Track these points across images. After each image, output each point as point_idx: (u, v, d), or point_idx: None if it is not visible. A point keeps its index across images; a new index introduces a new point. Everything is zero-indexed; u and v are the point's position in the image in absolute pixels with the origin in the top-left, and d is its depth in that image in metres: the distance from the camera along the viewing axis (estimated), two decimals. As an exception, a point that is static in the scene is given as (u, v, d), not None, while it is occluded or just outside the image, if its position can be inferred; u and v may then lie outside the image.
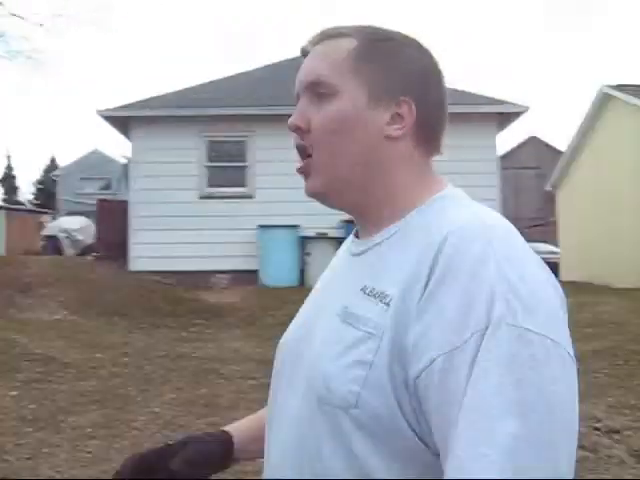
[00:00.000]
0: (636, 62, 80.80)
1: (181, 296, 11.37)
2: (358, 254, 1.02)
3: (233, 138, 12.85)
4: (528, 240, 0.90)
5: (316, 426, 0.89)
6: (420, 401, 0.81)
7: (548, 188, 22.77)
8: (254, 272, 11.86)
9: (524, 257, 0.85)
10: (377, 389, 0.83)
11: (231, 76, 14.68)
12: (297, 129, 1.01)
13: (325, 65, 1.00)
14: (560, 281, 1.06)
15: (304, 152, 1.01)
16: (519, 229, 0.90)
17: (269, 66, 15.39)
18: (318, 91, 1.00)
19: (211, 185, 12.71)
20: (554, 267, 16.88)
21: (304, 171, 1.02)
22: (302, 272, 11.95)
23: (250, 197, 12.52)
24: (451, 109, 1.01)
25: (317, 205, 1.08)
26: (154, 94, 13.68)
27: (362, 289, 0.94)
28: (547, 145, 36.11)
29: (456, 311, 0.79)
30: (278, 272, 11.73)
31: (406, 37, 1.04)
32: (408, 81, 1.00)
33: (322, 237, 11.84)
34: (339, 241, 11.88)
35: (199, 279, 11.93)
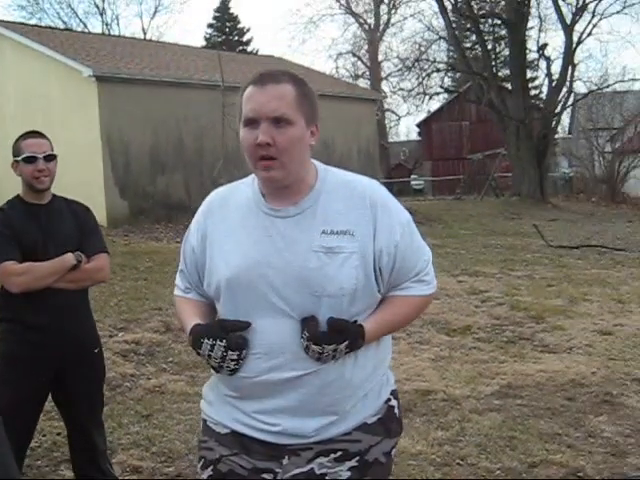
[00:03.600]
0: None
1: None
2: (293, 215, 1.76)
3: None
4: None
5: (320, 311, 1.71)
6: (381, 267, 1.76)
7: None
8: None
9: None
10: (364, 279, 1.74)
11: None
12: (267, 144, 1.70)
13: (284, 105, 1.71)
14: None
15: (270, 158, 1.70)
16: None
17: None
18: (279, 122, 1.70)
19: None
20: None
21: (270, 166, 1.71)
22: None
23: None
24: None
25: None
26: None
27: (323, 232, 1.73)
28: None
29: (393, 222, 1.79)
30: None
31: (305, 80, 1.80)
32: (316, 111, 1.80)
33: None
34: None
35: None
